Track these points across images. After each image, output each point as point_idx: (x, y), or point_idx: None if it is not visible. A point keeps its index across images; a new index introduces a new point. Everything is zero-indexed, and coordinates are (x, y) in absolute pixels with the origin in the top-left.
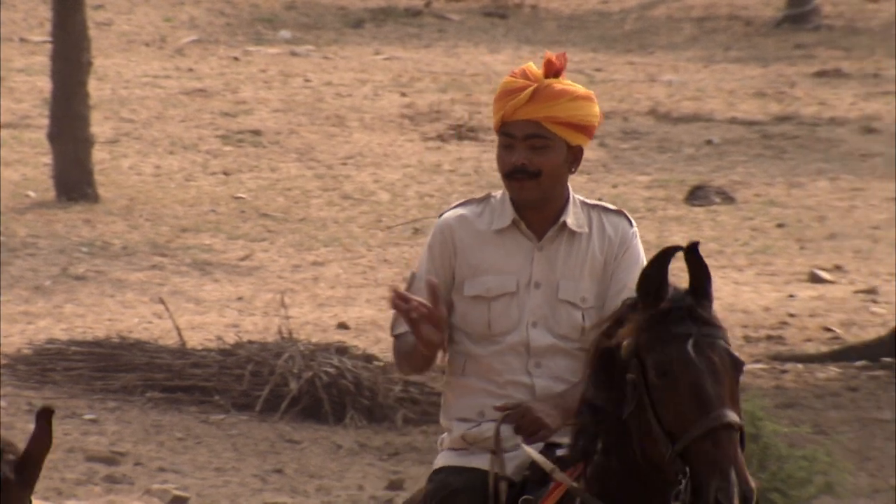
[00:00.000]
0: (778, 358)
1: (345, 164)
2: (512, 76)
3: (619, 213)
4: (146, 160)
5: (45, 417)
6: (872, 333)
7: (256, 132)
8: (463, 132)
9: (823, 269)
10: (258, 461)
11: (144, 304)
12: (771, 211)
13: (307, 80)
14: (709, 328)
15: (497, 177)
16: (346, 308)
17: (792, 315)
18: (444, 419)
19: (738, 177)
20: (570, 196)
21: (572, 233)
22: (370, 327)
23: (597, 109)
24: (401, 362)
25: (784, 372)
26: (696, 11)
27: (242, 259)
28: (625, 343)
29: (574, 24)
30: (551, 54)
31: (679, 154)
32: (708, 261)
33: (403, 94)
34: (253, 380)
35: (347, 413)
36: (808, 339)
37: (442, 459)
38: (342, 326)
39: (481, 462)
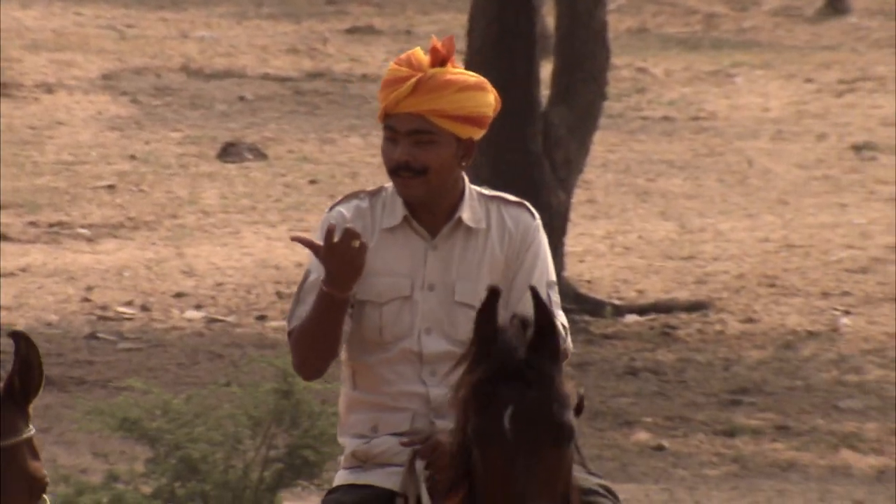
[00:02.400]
0: None
1: None
2: (396, 64)
3: (519, 204)
4: None
5: (22, 339)
6: None
7: None
8: None
9: None
10: None
11: None
12: (304, 167)
13: None
14: (537, 392)
15: (29, 134)
16: None
17: None
18: (340, 436)
19: (271, 133)
20: (466, 189)
21: (469, 229)
22: None
23: (490, 98)
24: (304, 352)
25: None
26: None
27: None
28: (455, 402)
29: None
30: (437, 41)
31: (211, 110)
32: (240, 217)
33: None
34: None
35: None
36: None
37: (337, 479)
38: None
39: (375, 478)
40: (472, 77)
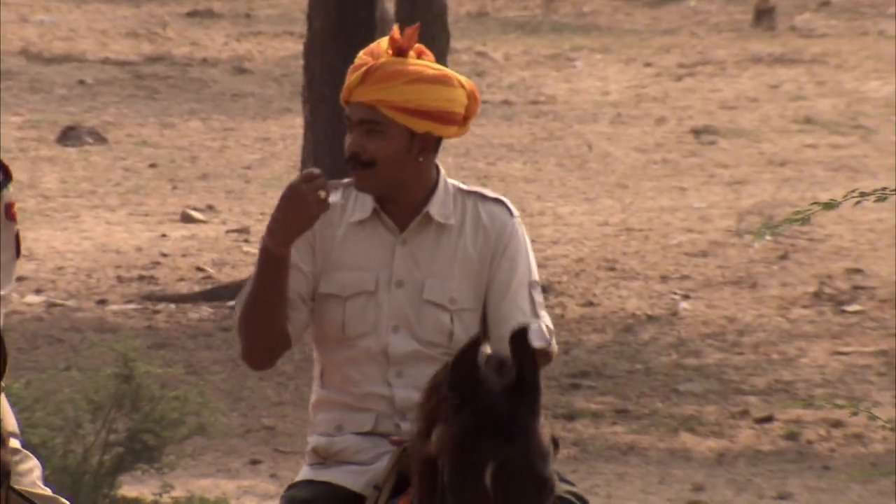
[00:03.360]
0: (150, 298)
1: None
2: (363, 52)
3: (497, 201)
4: None
5: None
6: (245, 273)
7: None
8: None
9: (195, 209)
10: None
11: None
12: (143, 151)
13: None
14: (517, 448)
15: None
16: None
17: (164, 255)
18: (308, 435)
19: (111, 117)
20: (440, 182)
21: (441, 225)
22: None
23: (453, 93)
24: (246, 330)
25: (157, 312)
26: None
27: None
28: (438, 460)
29: None
30: (396, 31)
31: (51, 94)
32: (80, 201)
33: None
34: None
35: None
36: (181, 279)
37: (299, 475)
38: None
39: (333, 476)
40: (432, 70)
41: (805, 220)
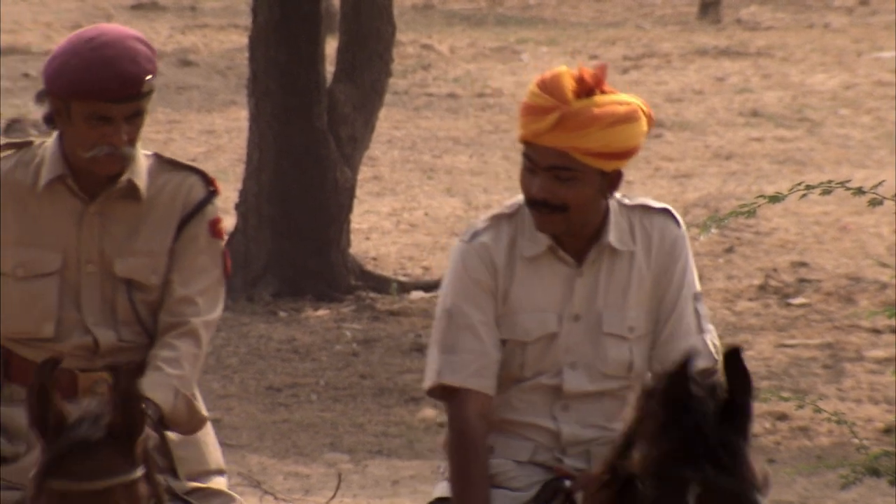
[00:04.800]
0: None
1: None
2: (539, 87)
3: (664, 212)
4: None
5: (123, 373)
6: None
7: None
8: None
9: None
10: None
11: None
12: None
13: None
14: (726, 476)
15: None
16: None
17: None
18: None
19: None
20: (609, 204)
21: (614, 250)
22: None
23: (641, 126)
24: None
25: None
26: None
27: None
28: (638, 480)
29: None
30: (585, 70)
31: None
32: None
33: None
34: None
35: None
36: None
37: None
38: None
39: None
40: (622, 107)
41: (751, 213)
